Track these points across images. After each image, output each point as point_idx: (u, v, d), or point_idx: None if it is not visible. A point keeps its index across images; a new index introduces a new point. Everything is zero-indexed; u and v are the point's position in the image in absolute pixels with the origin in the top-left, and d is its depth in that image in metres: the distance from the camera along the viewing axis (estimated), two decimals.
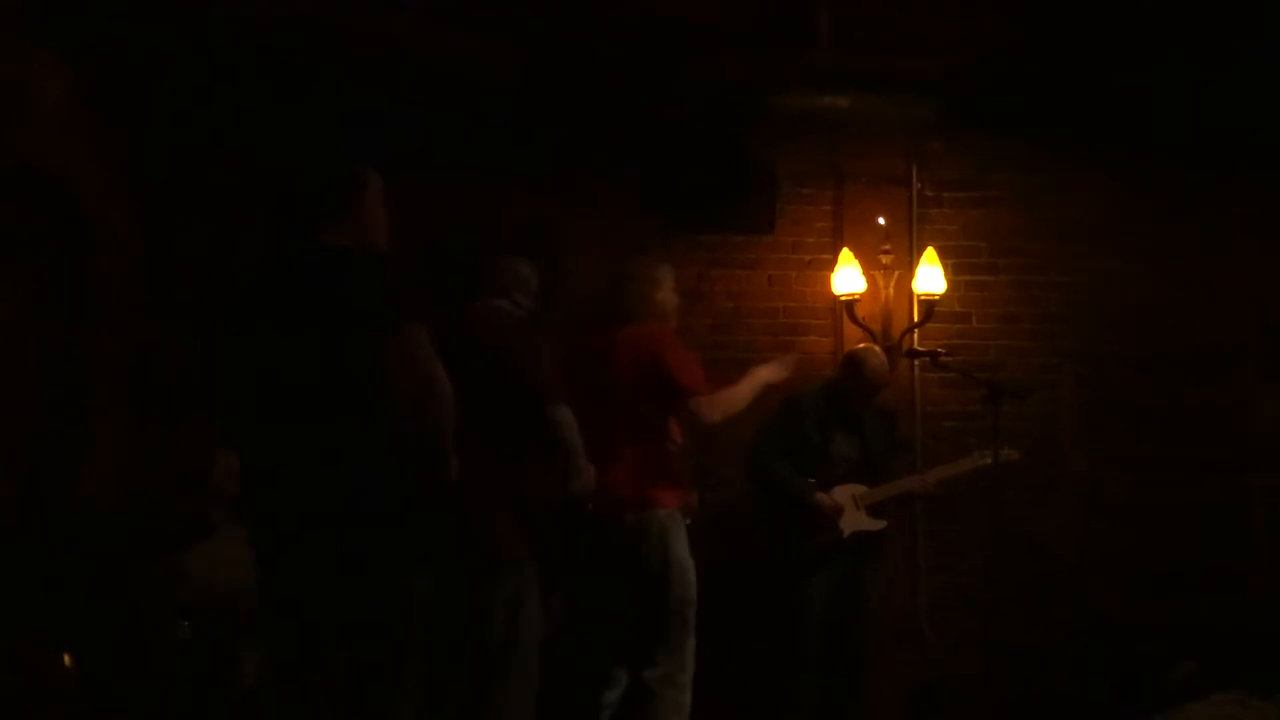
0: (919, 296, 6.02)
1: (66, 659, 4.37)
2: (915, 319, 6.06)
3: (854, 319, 6.00)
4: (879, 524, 5.31)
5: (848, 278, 5.98)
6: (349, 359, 3.38)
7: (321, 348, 3.39)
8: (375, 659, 3.45)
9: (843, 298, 6.01)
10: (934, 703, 5.83)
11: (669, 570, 4.35)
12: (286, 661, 3.43)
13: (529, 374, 4.06)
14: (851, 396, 5.36)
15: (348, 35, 5.37)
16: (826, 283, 6.10)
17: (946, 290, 6.02)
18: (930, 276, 5.97)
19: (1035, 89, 5.93)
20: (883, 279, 6.11)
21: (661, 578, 4.33)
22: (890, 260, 6.11)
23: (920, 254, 6.04)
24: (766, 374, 4.63)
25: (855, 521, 5.26)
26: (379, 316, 3.38)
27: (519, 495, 4.07)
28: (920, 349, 5.75)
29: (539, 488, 4.10)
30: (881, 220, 6.15)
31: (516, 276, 4.37)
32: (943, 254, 6.04)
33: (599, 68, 5.72)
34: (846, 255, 6.02)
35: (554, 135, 5.98)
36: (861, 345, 5.60)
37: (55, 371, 5.22)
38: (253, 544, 3.50)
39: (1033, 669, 5.80)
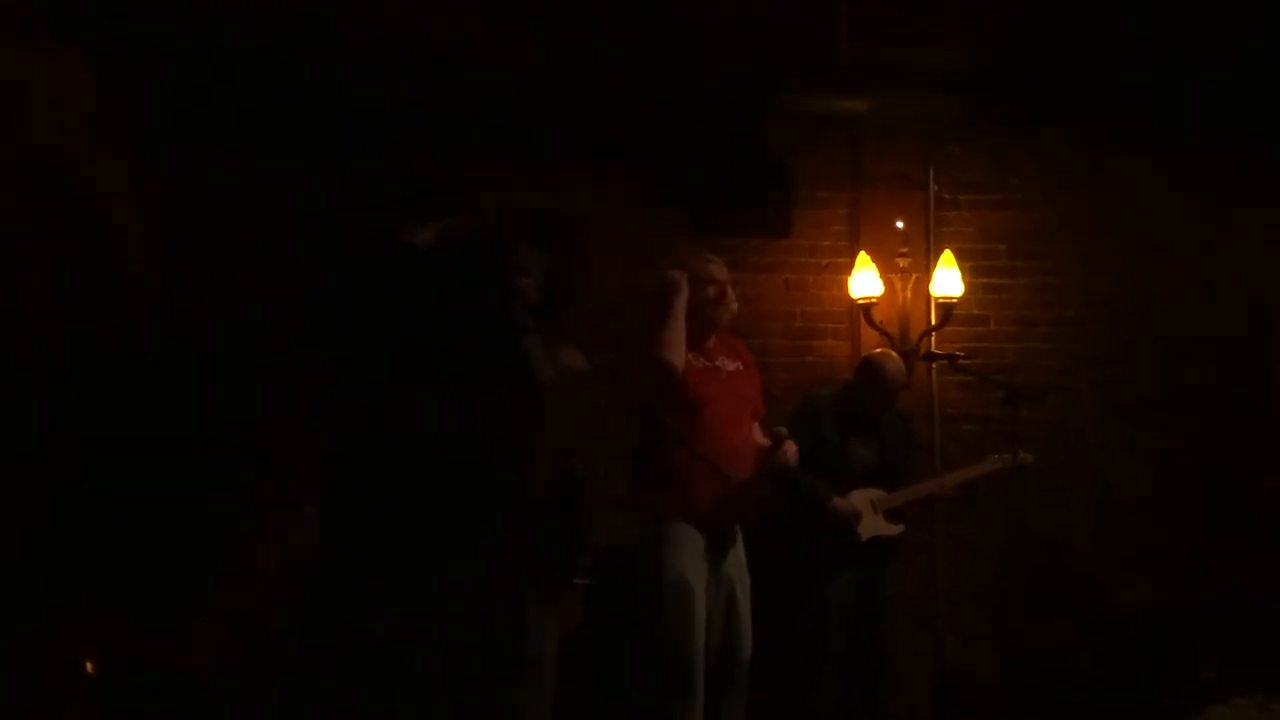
0: (937, 299, 6.01)
1: (88, 665, 4.38)
2: (933, 322, 6.04)
3: (871, 322, 5.99)
4: (896, 529, 5.29)
5: (865, 281, 5.97)
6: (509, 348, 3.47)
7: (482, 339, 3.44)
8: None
9: (860, 301, 6.00)
10: (954, 700, 5.83)
11: None
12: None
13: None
14: (868, 401, 5.34)
15: (355, 26, 5.37)
16: (844, 286, 6.09)
17: (964, 293, 6.00)
18: (948, 279, 5.95)
19: (1051, 85, 5.92)
20: (900, 282, 6.09)
21: None
22: (907, 263, 6.09)
23: (937, 256, 6.03)
24: None
25: (873, 526, 5.25)
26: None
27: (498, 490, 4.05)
28: (938, 352, 5.73)
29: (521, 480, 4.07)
30: (899, 223, 6.13)
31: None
32: (960, 256, 6.02)
33: (613, 66, 5.72)
34: (864, 258, 6.01)
35: (569, 134, 5.98)
36: (878, 350, 5.58)
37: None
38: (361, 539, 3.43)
39: (1053, 667, 5.78)
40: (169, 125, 5.67)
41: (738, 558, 4.48)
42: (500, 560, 3.96)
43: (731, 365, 4.56)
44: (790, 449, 4.45)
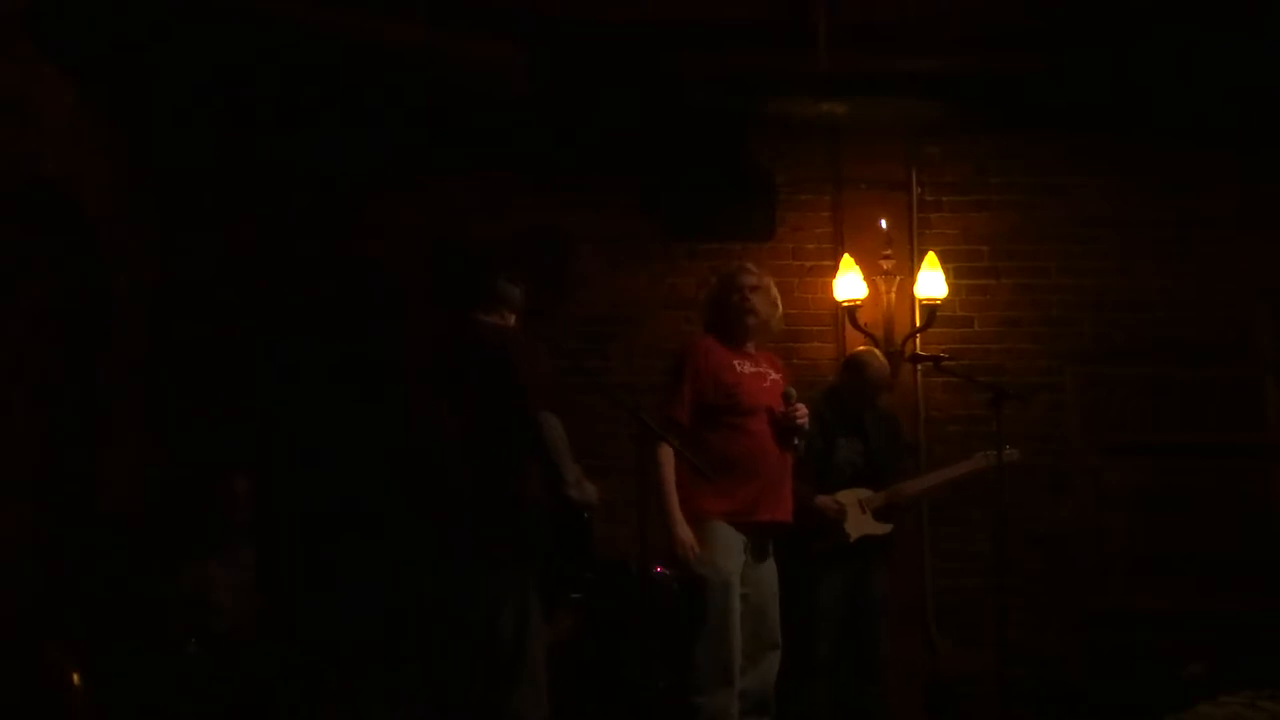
0: (920, 301, 6.03)
1: (75, 678, 4.37)
2: (917, 324, 6.06)
3: (856, 325, 6.00)
4: (885, 527, 5.29)
5: (849, 284, 5.99)
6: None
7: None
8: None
9: (844, 304, 6.02)
10: (947, 701, 5.82)
11: None
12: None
13: (517, 382, 4.13)
14: (854, 400, 5.35)
15: (350, 42, 5.39)
16: (828, 289, 6.10)
17: (948, 294, 6.02)
18: (931, 281, 5.97)
19: (1034, 88, 5.93)
20: (884, 284, 6.11)
21: None
22: (891, 265, 6.11)
23: (921, 259, 6.05)
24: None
25: (861, 525, 5.25)
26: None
27: (514, 500, 4.08)
28: (922, 353, 5.74)
29: (536, 493, 4.10)
30: (883, 223, 6.15)
31: (505, 294, 4.41)
32: (943, 258, 6.04)
33: (598, 75, 5.74)
34: (847, 261, 6.02)
35: (555, 143, 6.00)
36: (862, 348, 5.60)
37: (70, 389, 5.23)
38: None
39: (1044, 666, 5.79)
40: (164, 141, 5.71)
41: (770, 559, 4.60)
42: (512, 573, 4.02)
43: (774, 374, 4.70)
44: (800, 409, 4.58)
